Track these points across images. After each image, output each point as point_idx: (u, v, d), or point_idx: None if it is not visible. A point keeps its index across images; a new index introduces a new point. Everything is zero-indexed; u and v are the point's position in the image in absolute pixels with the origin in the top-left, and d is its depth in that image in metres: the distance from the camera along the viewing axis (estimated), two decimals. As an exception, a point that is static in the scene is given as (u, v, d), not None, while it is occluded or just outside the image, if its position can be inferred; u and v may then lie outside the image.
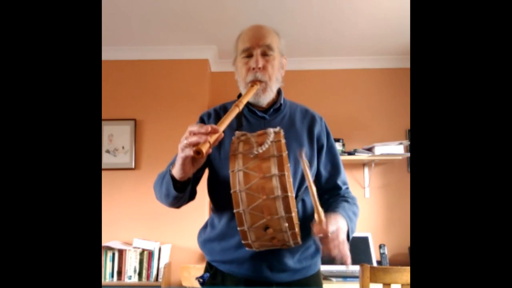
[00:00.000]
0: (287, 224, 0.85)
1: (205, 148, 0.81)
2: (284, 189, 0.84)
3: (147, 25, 2.45)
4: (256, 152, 0.88)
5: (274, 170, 0.85)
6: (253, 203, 0.85)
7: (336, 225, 0.89)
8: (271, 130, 0.94)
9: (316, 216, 0.88)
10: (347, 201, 1.10)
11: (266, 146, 0.89)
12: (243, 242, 0.89)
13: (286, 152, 0.98)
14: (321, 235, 0.87)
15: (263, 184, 0.85)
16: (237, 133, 0.96)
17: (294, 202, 1.02)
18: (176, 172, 0.93)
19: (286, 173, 0.85)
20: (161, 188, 1.02)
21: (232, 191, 0.86)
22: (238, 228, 0.87)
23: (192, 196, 1.09)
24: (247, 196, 0.85)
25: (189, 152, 0.85)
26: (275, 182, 0.84)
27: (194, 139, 0.83)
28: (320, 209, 0.88)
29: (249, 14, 2.29)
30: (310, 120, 1.16)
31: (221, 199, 1.10)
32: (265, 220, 0.85)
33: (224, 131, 0.90)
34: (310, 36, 2.60)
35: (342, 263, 0.88)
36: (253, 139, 0.92)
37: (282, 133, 0.94)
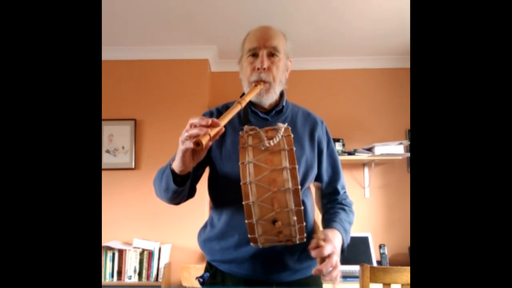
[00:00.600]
0: (296, 218, 0.85)
1: (205, 140, 0.81)
2: (295, 181, 0.84)
3: (147, 25, 2.45)
4: (267, 145, 0.88)
5: (285, 163, 0.86)
6: (263, 195, 0.85)
7: (333, 247, 0.92)
8: (281, 124, 0.94)
9: (315, 240, 0.91)
10: (343, 209, 1.13)
11: (277, 139, 0.89)
12: (249, 236, 0.89)
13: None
14: (318, 258, 0.91)
15: (274, 176, 0.85)
16: (246, 127, 0.97)
17: None
18: (176, 165, 0.93)
19: (296, 166, 0.85)
20: (161, 182, 1.02)
21: (242, 182, 0.86)
22: (246, 221, 0.87)
23: (191, 193, 1.09)
24: (257, 188, 0.85)
25: (189, 144, 0.84)
26: (286, 174, 0.85)
27: (194, 131, 0.83)
28: (321, 236, 0.92)
29: (249, 14, 2.29)
30: (312, 123, 1.17)
31: (221, 197, 1.10)
32: (274, 213, 0.85)
33: (225, 131, 0.90)
34: (310, 36, 2.60)
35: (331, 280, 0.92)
36: (263, 133, 0.92)
37: (290, 129, 0.95)
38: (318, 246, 0.90)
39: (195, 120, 0.84)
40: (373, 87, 2.96)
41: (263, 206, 0.85)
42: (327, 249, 0.90)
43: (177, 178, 0.97)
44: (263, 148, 0.88)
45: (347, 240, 1.05)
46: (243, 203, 0.86)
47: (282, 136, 0.91)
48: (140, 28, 2.48)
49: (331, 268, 0.90)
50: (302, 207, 0.85)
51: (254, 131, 0.94)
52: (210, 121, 0.83)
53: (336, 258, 0.92)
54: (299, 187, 0.84)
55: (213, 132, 0.83)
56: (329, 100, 2.93)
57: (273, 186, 0.84)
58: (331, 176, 1.18)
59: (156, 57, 2.79)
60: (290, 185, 0.84)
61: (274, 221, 0.86)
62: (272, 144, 0.88)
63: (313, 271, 0.90)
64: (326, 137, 1.18)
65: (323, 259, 0.90)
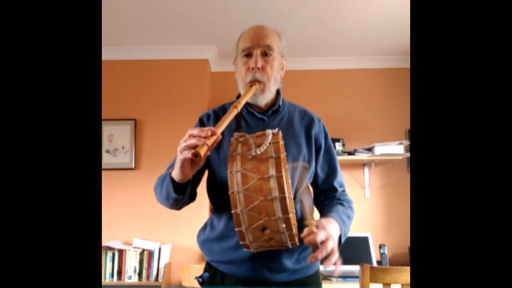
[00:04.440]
0: (284, 225, 0.85)
1: (203, 151, 0.82)
2: (281, 190, 0.84)
3: (147, 25, 2.45)
4: (254, 154, 0.88)
5: (272, 171, 0.86)
6: (250, 204, 0.85)
7: (326, 233, 0.89)
8: (269, 131, 0.94)
9: (306, 229, 0.88)
10: (342, 204, 1.10)
11: (264, 147, 0.89)
12: (241, 242, 0.90)
13: (285, 153, 0.98)
14: (311, 245, 0.88)
15: (260, 185, 0.85)
16: (236, 134, 0.97)
17: (292, 202, 1.02)
18: (176, 174, 0.93)
19: (283, 174, 0.85)
20: (161, 190, 1.03)
21: (230, 192, 0.86)
22: (236, 229, 0.87)
23: (192, 197, 1.09)
24: (245, 197, 0.86)
25: (188, 154, 0.85)
26: (273, 183, 0.85)
27: (192, 141, 0.84)
28: (311, 221, 0.89)
29: (249, 14, 2.29)
30: (308, 121, 1.16)
31: (220, 200, 1.10)
32: (263, 221, 0.85)
33: (223, 133, 0.90)
34: (310, 36, 2.59)
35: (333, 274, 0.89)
36: (252, 140, 0.92)
37: (280, 134, 0.94)
38: (310, 234, 0.87)
39: (194, 132, 0.85)
40: (373, 87, 2.95)
41: (251, 215, 0.86)
42: (320, 236, 0.86)
43: (177, 186, 0.97)
44: (250, 157, 0.88)
45: (346, 233, 1.03)
46: (232, 212, 0.86)
47: (269, 143, 0.90)
48: (140, 28, 2.48)
49: (326, 254, 0.86)
50: (291, 215, 0.85)
51: (244, 138, 0.94)
52: (209, 132, 0.84)
53: (332, 244, 0.89)
54: (286, 195, 0.84)
55: (210, 141, 0.84)
56: (329, 100, 2.93)
57: (260, 195, 0.84)
58: (327, 172, 1.17)
59: (156, 57, 2.79)
60: (276, 193, 0.84)
61: (263, 229, 0.86)
62: (259, 152, 0.88)
63: (309, 259, 0.87)
64: (323, 135, 1.17)
65: (317, 247, 0.87)
